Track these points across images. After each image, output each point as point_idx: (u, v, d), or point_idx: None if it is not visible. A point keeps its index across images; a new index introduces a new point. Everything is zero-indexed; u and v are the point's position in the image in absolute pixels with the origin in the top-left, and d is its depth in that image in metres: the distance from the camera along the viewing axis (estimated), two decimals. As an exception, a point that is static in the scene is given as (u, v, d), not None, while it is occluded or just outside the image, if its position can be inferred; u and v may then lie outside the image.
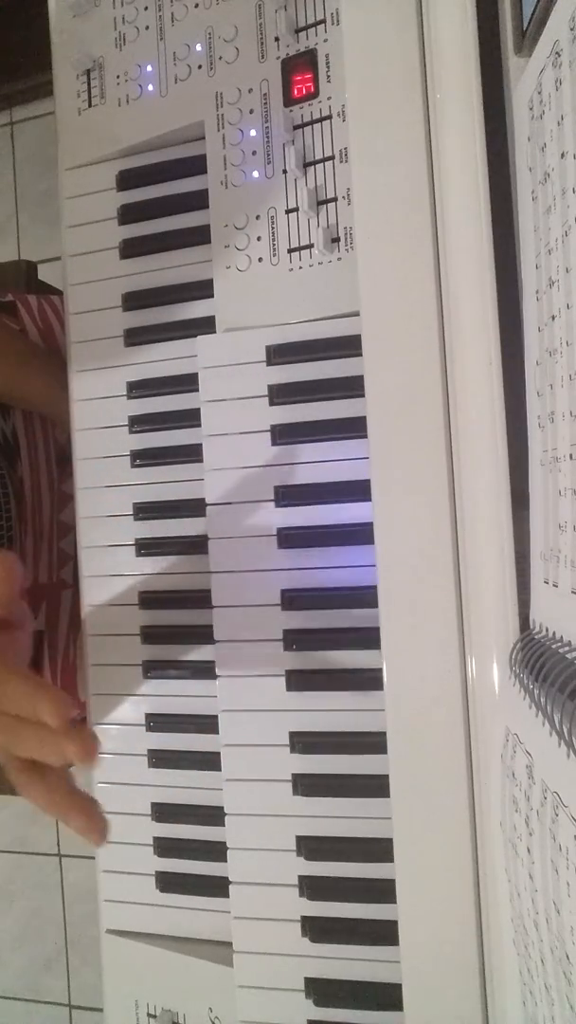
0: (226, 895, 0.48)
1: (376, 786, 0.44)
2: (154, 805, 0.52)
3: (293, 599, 0.47)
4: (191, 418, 0.50)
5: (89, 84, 0.53)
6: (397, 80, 0.41)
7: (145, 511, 0.52)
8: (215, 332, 0.49)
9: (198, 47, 0.49)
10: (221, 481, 0.48)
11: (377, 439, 0.42)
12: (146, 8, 0.51)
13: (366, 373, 0.42)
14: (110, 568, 0.53)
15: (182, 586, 0.51)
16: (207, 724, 0.49)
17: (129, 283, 0.52)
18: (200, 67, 0.49)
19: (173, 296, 0.51)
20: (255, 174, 0.48)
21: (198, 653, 0.50)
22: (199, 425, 0.49)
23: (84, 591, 0.53)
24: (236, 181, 0.48)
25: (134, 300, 0.52)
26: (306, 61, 0.46)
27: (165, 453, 0.51)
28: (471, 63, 0.39)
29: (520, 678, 0.35)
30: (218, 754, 0.48)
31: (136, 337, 0.52)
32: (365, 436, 0.42)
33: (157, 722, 0.51)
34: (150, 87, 0.51)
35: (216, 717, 0.48)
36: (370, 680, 0.44)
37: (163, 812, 0.51)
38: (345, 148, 0.45)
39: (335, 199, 0.46)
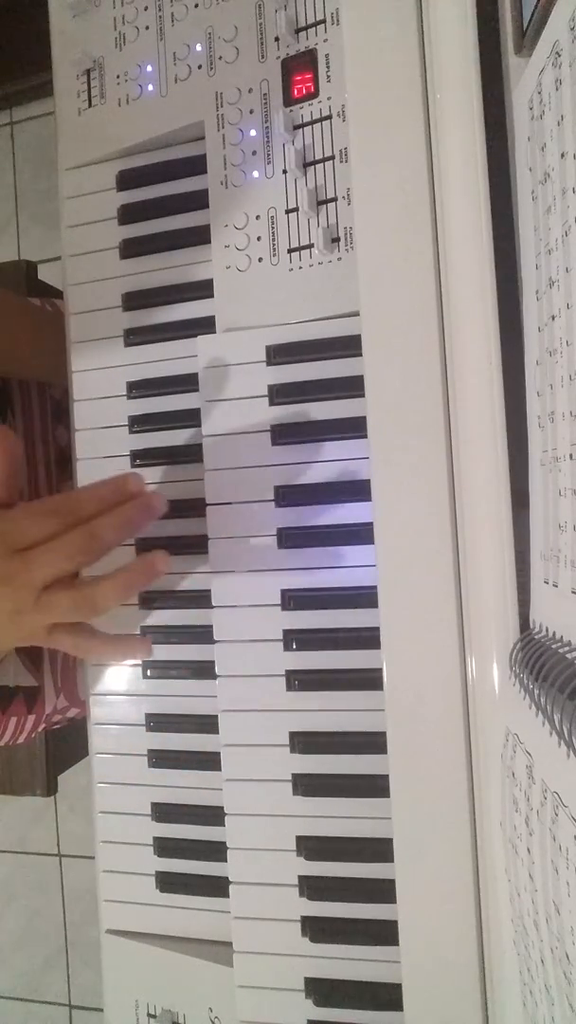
0: (226, 895, 0.48)
1: (376, 786, 0.44)
2: (154, 805, 0.52)
3: (293, 599, 0.47)
4: (191, 418, 0.50)
5: (89, 84, 0.53)
6: (397, 80, 0.41)
7: (145, 511, 0.52)
8: (215, 332, 0.49)
9: (198, 47, 0.49)
10: (221, 481, 0.48)
11: (377, 439, 0.42)
12: (146, 8, 0.51)
13: (366, 373, 0.42)
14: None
15: (182, 586, 0.51)
16: (207, 724, 0.49)
17: (129, 283, 0.52)
18: (200, 67, 0.49)
19: (173, 296, 0.51)
20: (255, 174, 0.48)
21: (198, 653, 0.50)
22: (199, 425, 0.49)
23: (84, 591, 0.53)
24: (236, 181, 0.48)
25: (134, 300, 0.52)
26: (306, 61, 0.46)
27: (165, 453, 0.51)
28: (471, 63, 0.39)
29: (520, 678, 0.35)
30: (218, 754, 0.48)
31: (136, 337, 0.52)
32: (365, 436, 0.42)
33: (157, 722, 0.51)
34: (150, 87, 0.51)
35: (216, 717, 0.48)
36: (370, 680, 0.44)
37: (163, 812, 0.51)
38: (345, 148, 0.45)
39: (335, 199, 0.46)
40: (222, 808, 0.48)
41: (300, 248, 0.47)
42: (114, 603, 0.43)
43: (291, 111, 0.47)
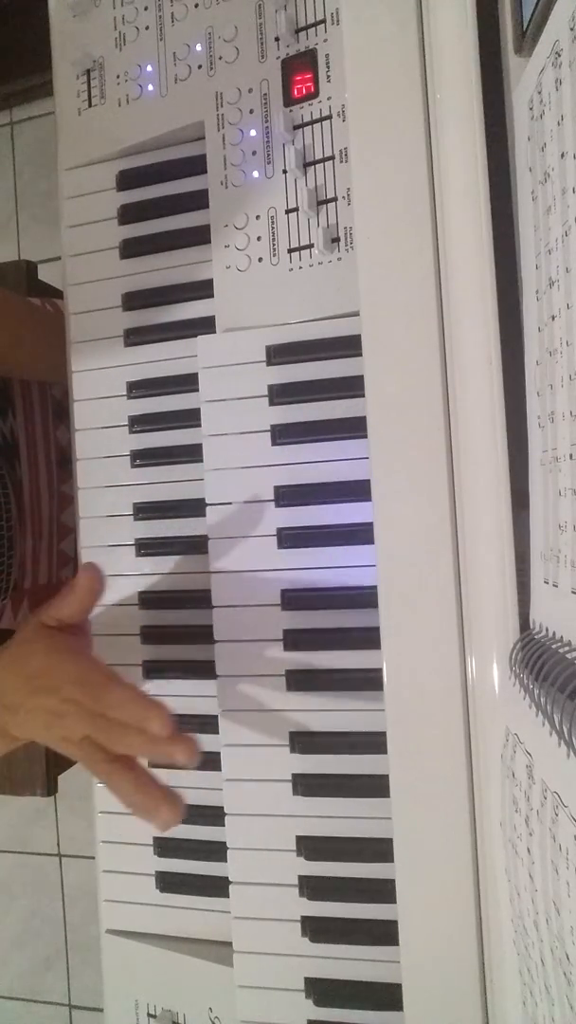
0: (226, 895, 0.48)
1: (376, 786, 0.44)
2: (154, 805, 0.52)
3: (293, 599, 0.47)
4: (191, 418, 0.50)
5: (89, 84, 0.53)
6: (397, 80, 0.41)
7: (145, 511, 0.52)
8: (215, 332, 0.49)
9: (198, 47, 0.49)
10: (221, 481, 0.48)
11: (377, 439, 0.42)
12: (146, 8, 0.51)
13: (366, 373, 0.42)
14: (110, 568, 0.52)
15: (182, 586, 0.51)
16: (207, 724, 0.49)
17: (129, 283, 0.52)
18: (200, 67, 0.49)
19: (173, 296, 0.51)
20: (255, 174, 0.48)
21: (198, 653, 0.50)
22: (199, 425, 0.49)
23: (84, 591, 0.53)
24: (236, 181, 0.48)
25: (134, 300, 0.52)
26: (306, 61, 0.46)
27: (165, 453, 0.51)
28: (471, 63, 0.39)
29: (520, 678, 0.35)
30: (218, 754, 0.48)
31: (136, 337, 0.52)
32: (365, 436, 0.42)
33: (157, 722, 0.51)
34: (150, 87, 0.51)
35: (216, 717, 0.48)
36: (370, 680, 0.44)
37: (163, 812, 0.51)
38: (345, 148, 0.45)
39: (335, 199, 0.46)
40: (222, 808, 0.48)
41: (300, 248, 0.47)
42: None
43: (291, 111, 0.47)
